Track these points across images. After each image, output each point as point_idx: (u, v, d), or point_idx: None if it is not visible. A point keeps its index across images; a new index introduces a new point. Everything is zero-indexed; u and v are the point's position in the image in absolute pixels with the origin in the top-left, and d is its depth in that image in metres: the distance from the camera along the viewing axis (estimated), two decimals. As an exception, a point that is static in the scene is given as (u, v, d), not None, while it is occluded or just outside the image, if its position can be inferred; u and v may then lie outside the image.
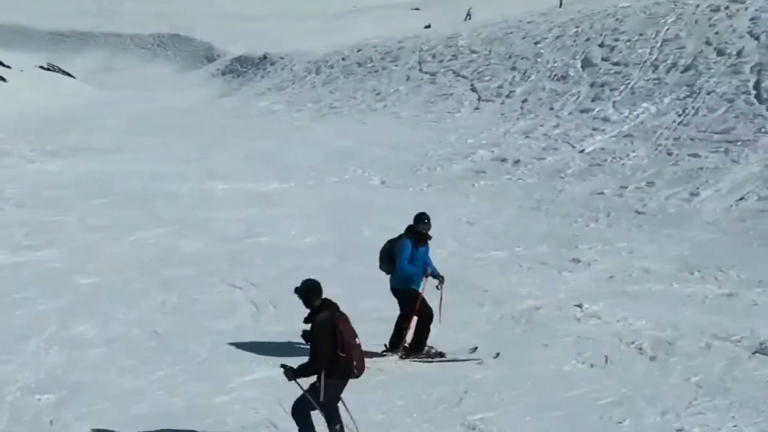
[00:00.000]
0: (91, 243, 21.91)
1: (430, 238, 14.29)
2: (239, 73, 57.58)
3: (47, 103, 49.41)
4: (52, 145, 36.44)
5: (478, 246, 21.59)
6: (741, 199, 23.69)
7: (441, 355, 14.33)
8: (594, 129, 31.97)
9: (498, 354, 14.37)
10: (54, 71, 61.78)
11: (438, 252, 21.13)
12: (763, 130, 27.58)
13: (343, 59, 52.37)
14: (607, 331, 15.33)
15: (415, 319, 14.23)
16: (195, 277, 18.98)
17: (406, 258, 13.97)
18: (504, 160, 30.58)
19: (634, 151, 28.85)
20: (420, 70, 46.16)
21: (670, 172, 26.57)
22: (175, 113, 47.17)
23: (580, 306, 16.52)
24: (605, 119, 32.59)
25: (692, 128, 29.41)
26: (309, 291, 10.62)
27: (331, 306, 10.60)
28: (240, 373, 13.81)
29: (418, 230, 14.16)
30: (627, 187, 26.03)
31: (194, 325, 16.03)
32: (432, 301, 14.27)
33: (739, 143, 27.22)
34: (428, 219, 14.21)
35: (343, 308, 16.72)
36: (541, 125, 33.96)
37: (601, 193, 25.91)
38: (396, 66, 48.04)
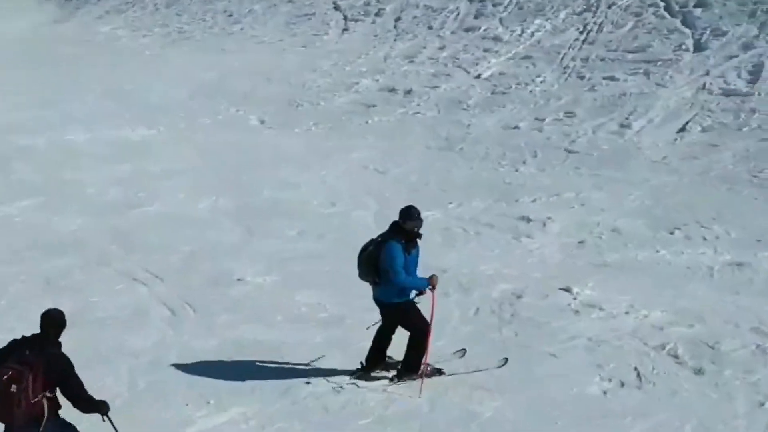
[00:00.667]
0: (-57, 227, 18.22)
1: (420, 236, 11.21)
2: (72, -5, 52.83)
3: None
4: None
5: (403, 204, 18.65)
6: (682, 130, 21.36)
7: (439, 372, 11.41)
8: (485, 50, 29.40)
9: (506, 361, 11.58)
10: None
11: (360, 215, 18.35)
12: (683, 47, 25.30)
13: (184, -23, 48.14)
14: (619, 328, 12.47)
15: (406, 334, 11.26)
16: (84, 269, 15.57)
17: (401, 266, 10.83)
18: (393, 90, 27.74)
19: (539, 76, 26.38)
20: (273, -12, 42.64)
21: (588, 99, 24.20)
22: (9, 42, 42.06)
23: (569, 290, 13.73)
24: (495, 39, 30.05)
25: (600, 47, 27.06)
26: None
27: (29, 342, 8.69)
28: (175, 423, 10.57)
29: (408, 229, 11.03)
30: (544, 120, 23.56)
31: (101, 343, 12.57)
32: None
33: (659, 63, 24.90)
34: (419, 213, 11.10)
35: (279, 306, 13.32)
36: (424, 47, 31.26)
37: (516, 128, 23.37)
38: (245, -17, 44.27)
